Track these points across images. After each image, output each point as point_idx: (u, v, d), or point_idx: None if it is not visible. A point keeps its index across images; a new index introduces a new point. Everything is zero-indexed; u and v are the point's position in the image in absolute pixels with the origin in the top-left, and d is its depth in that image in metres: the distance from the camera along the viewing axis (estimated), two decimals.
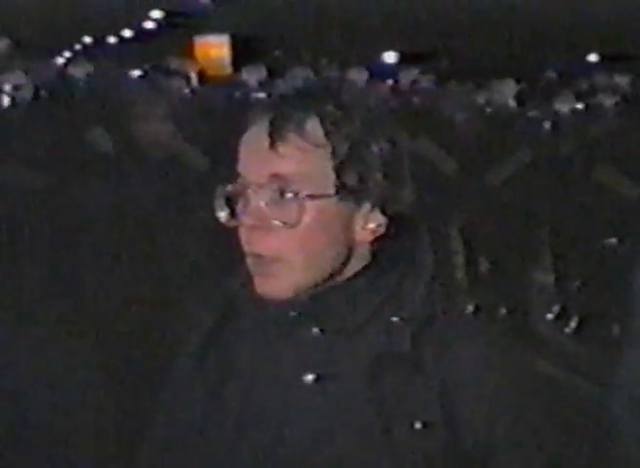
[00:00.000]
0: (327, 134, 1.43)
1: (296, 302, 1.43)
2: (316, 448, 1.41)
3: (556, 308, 4.94)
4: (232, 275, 1.49)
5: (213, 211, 1.44)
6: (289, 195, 1.41)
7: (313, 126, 1.43)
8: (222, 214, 1.44)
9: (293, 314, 1.43)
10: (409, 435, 1.39)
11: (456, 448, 1.41)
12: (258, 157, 1.43)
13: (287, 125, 1.43)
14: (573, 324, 4.93)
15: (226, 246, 1.49)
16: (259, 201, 1.41)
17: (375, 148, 1.43)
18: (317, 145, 1.43)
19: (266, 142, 1.42)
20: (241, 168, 1.44)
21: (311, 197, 1.39)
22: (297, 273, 1.43)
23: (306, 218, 1.40)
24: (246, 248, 1.44)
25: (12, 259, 5.10)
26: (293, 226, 1.40)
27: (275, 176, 1.41)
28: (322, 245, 1.43)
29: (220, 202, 1.44)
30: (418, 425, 1.39)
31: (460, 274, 1.52)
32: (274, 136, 1.42)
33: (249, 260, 1.43)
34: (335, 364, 1.43)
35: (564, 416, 1.43)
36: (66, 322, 4.51)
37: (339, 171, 1.42)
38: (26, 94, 6.37)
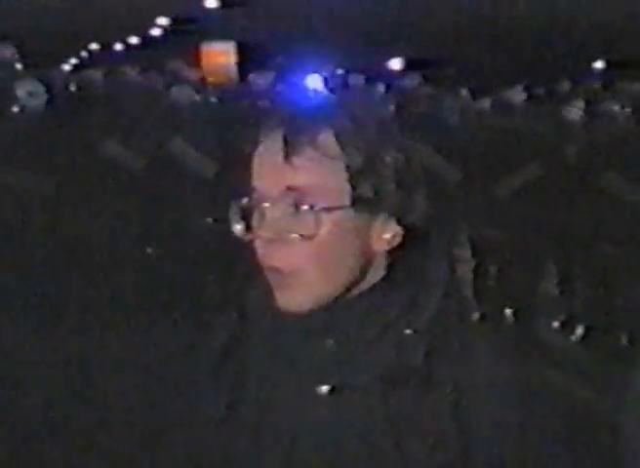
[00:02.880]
0: (341, 145, 1.44)
1: (310, 314, 1.44)
2: (329, 461, 1.43)
3: (562, 316, 4.94)
4: (246, 287, 1.50)
5: (226, 222, 1.45)
6: (305, 207, 1.42)
7: (327, 138, 1.44)
8: (238, 228, 1.45)
9: (307, 326, 1.44)
10: (421, 448, 1.40)
11: (468, 463, 1.41)
12: (272, 170, 1.45)
13: (301, 137, 1.44)
14: (579, 331, 4.93)
15: (239, 258, 1.50)
16: (274, 214, 1.42)
17: (388, 158, 1.44)
18: (331, 157, 1.44)
19: (280, 155, 1.44)
20: (256, 181, 1.46)
21: (327, 209, 1.40)
22: (315, 286, 1.45)
23: (323, 231, 1.42)
24: (263, 261, 1.45)
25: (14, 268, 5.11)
26: (310, 239, 1.41)
27: (290, 189, 1.43)
28: (339, 256, 1.44)
29: (235, 216, 1.45)
30: (430, 438, 1.40)
31: (467, 282, 1.53)
32: (288, 149, 1.43)
33: (267, 274, 1.44)
34: (349, 376, 1.44)
35: (575, 428, 1.44)
36: (76, 336, 4.52)
37: (353, 182, 1.43)
38: (39, 101, 6.41)
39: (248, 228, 1.49)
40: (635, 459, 1.70)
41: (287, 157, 1.43)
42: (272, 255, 1.45)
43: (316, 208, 1.42)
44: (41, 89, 6.42)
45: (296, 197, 1.43)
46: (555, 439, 1.42)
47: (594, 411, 1.55)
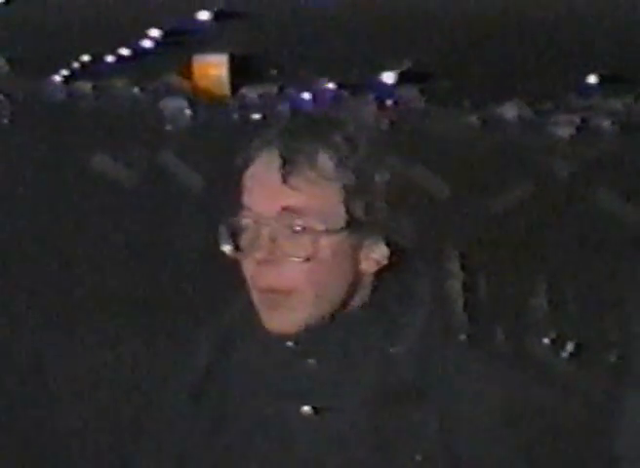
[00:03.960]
0: (336, 166, 1.42)
1: (294, 333, 1.42)
2: None
3: (552, 333, 4.94)
4: (230, 305, 1.48)
5: (212, 239, 1.43)
6: (301, 229, 1.40)
7: (324, 158, 1.42)
8: (228, 248, 1.43)
9: (290, 345, 1.42)
10: (409, 466, 1.38)
11: None
12: (269, 190, 1.41)
13: (299, 157, 1.42)
14: (570, 348, 4.93)
15: (223, 274, 1.48)
16: (269, 235, 1.39)
17: (378, 178, 1.42)
18: (328, 178, 1.42)
19: (276, 175, 1.40)
20: (249, 201, 1.42)
21: (326, 232, 1.38)
22: (308, 306, 1.42)
23: (320, 253, 1.40)
24: (255, 282, 1.41)
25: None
26: (307, 261, 1.39)
27: (287, 210, 1.40)
28: (333, 278, 1.41)
29: (224, 235, 1.42)
30: (418, 457, 1.38)
31: (457, 300, 1.52)
32: (287, 169, 1.41)
33: (257, 295, 1.41)
34: (334, 396, 1.41)
35: (563, 444, 1.42)
36: (62, 345, 4.49)
37: (348, 203, 1.41)
38: (23, 111, 6.43)
39: (237, 247, 1.45)
40: None
41: (285, 177, 1.40)
42: (266, 276, 1.41)
43: (314, 229, 1.38)
44: (26, 99, 6.45)
45: (292, 218, 1.40)
46: (546, 455, 1.40)
47: (585, 427, 1.53)
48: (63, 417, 3.48)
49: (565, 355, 4.41)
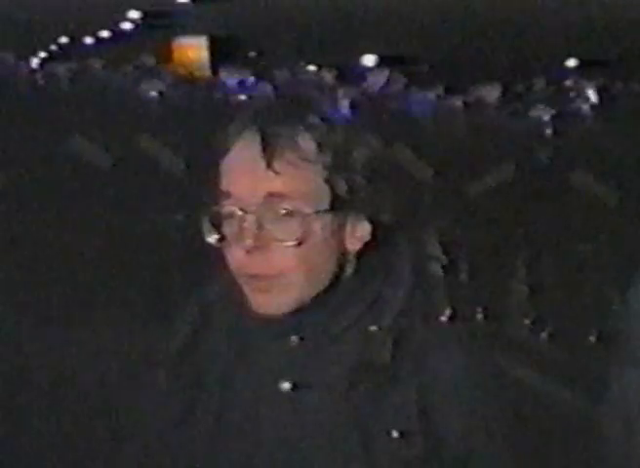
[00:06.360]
0: (317, 147, 1.41)
1: (281, 315, 1.41)
2: (292, 457, 1.40)
3: (532, 314, 4.95)
4: (207, 285, 1.47)
5: (191, 220, 1.41)
6: (287, 213, 1.39)
7: (304, 140, 1.41)
8: (213, 238, 1.41)
9: (271, 322, 1.42)
10: (387, 444, 1.38)
11: (434, 458, 1.40)
12: (251, 176, 1.40)
13: (280, 141, 1.40)
14: (549, 330, 4.94)
15: (202, 254, 1.46)
16: (256, 222, 1.38)
17: (356, 154, 1.42)
18: (310, 160, 1.41)
19: (259, 160, 1.39)
20: (231, 187, 1.40)
21: (315, 214, 1.37)
22: (298, 288, 1.42)
23: (310, 235, 1.39)
24: (243, 269, 1.40)
25: None
26: (299, 245, 1.38)
27: (272, 195, 1.39)
28: (322, 258, 1.42)
29: (207, 225, 1.40)
30: (395, 434, 1.38)
31: (437, 279, 1.52)
32: (269, 153, 1.39)
33: (243, 280, 1.40)
34: (313, 372, 1.42)
35: (541, 423, 1.43)
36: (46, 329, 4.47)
37: (332, 183, 1.41)
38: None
39: (221, 236, 1.43)
40: (612, 458, 1.68)
41: (268, 162, 1.38)
42: (255, 263, 1.39)
43: (303, 213, 1.37)
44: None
45: (277, 203, 1.38)
46: (526, 435, 1.40)
47: (565, 409, 1.53)
48: (40, 395, 3.47)
49: (544, 337, 4.41)
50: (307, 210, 1.39)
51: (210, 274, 1.47)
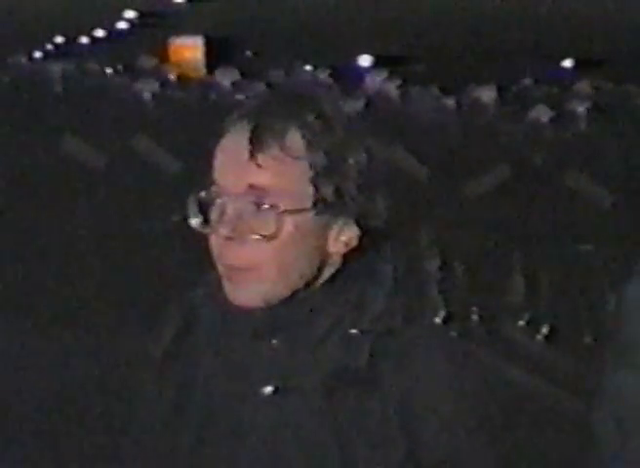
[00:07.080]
0: (307, 146, 1.39)
1: (258, 313, 1.41)
2: (273, 461, 1.39)
3: (527, 315, 4.95)
4: (194, 286, 1.47)
5: (182, 219, 1.41)
6: (266, 207, 1.38)
7: (294, 138, 1.39)
8: (196, 221, 1.40)
9: (255, 325, 1.41)
10: (366, 449, 1.37)
11: (413, 463, 1.38)
12: (236, 166, 1.39)
13: (268, 135, 1.39)
14: (544, 330, 4.94)
15: (190, 255, 1.46)
16: (235, 211, 1.37)
17: (351, 160, 1.40)
18: (296, 158, 1.40)
19: (246, 152, 1.38)
20: (217, 175, 1.40)
21: (290, 212, 1.35)
22: (269, 283, 1.40)
23: (284, 232, 1.37)
24: (219, 258, 1.40)
25: None
26: (270, 239, 1.37)
27: (253, 188, 1.38)
28: (297, 257, 1.40)
29: (193, 208, 1.40)
30: (375, 440, 1.37)
31: (432, 282, 1.51)
32: (255, 146, 1.38)
33: (220, 268, 1.40)
34: (294, 376, 1.40)
35: (526, 427, 1.42)
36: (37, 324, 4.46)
37: (316, 183, 1.39)
38: None
39: (206, 221, 1.43)
40: (604, 457, 1.68)
41: (253, 154, 1.38)
42: (229, 254, 1.39)
43: (278, 209, 1.36)
44: None
45: (258, 196, 1.38)
46: (506, 435, 1.39)
47: (559, 409, 1.53)
48: (26, 391, 3.47)
49: (540, 337, 4.41)
50: (284, 206, 1.38)
51: (199, 276, 1.47)
